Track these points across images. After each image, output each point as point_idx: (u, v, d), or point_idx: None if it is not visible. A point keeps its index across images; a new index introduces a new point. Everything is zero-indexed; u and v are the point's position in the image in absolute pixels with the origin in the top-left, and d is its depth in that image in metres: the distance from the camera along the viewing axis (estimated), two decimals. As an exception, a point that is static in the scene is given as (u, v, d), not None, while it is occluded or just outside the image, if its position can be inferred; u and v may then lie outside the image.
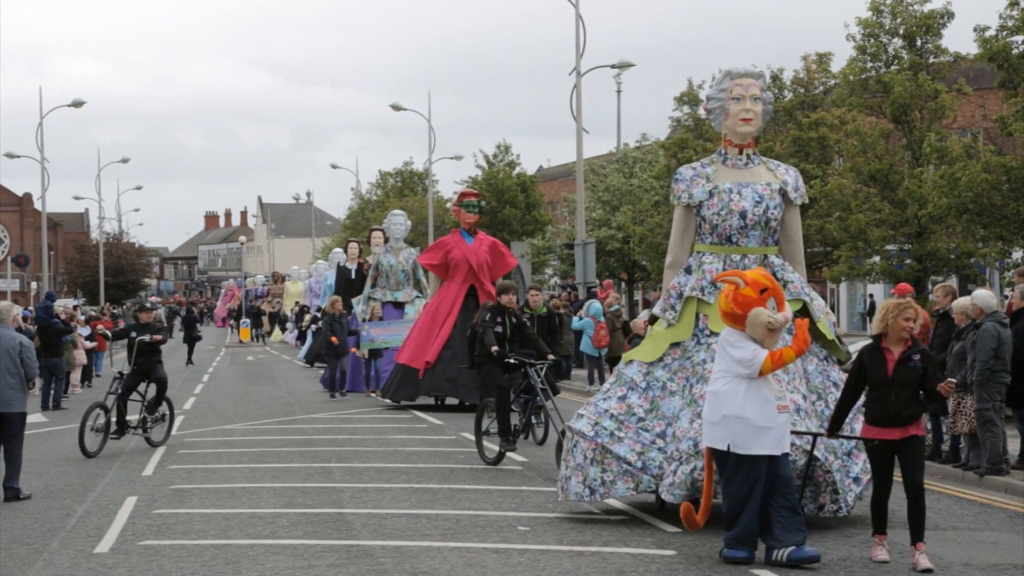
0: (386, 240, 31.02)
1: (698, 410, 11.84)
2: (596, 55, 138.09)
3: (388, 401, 25.60)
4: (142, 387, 18.97)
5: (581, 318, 28.88)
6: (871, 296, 48.98)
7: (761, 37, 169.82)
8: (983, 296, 15.00)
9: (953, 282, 33.06)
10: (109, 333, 22.21)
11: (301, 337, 49.22)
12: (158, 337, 19.03)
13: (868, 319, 48.78)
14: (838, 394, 12.23)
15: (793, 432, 11.13)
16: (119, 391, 18.63)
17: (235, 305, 75.46)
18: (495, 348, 16.59)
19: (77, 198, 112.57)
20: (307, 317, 47.22)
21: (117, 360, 24.65)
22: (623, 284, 50.35)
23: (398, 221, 30.57)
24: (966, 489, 14.48)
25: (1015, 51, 25.90)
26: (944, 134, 29.99)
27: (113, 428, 18.48)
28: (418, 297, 29.62)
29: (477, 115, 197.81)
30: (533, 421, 17.30)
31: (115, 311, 62.18)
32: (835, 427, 11.01)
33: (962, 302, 15.44)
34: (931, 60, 31.09)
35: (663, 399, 12.44)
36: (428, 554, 11.06)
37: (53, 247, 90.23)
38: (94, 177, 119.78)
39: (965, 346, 15.04)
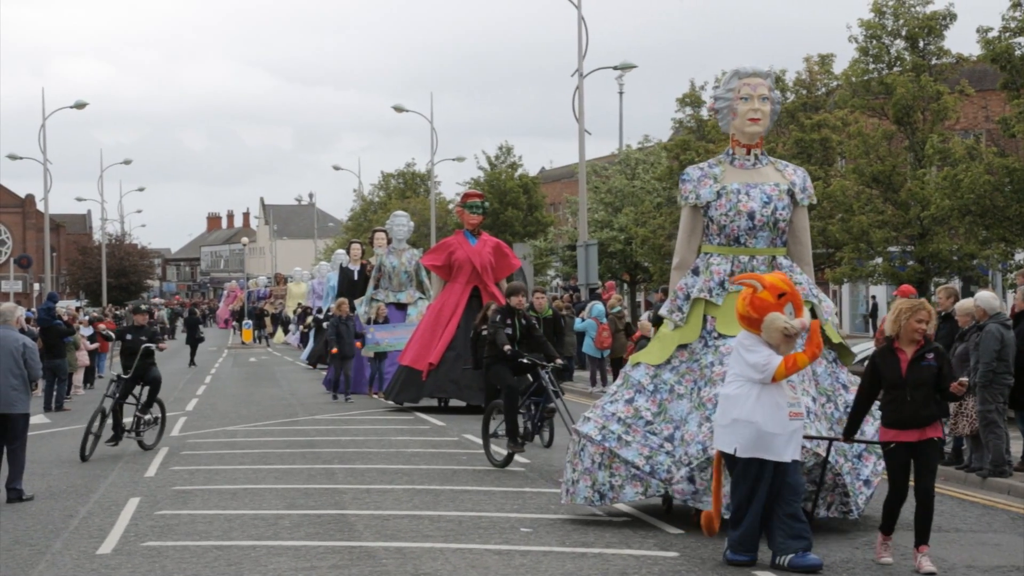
0: (389, 241, 31.01)
1: (707, 413, 11.77)
2: (598, 56, 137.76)
3: (391, 403, 25.58)
4: (136, 390, 18.95)
5: (583, 320, 28.86)
6: (873, 298, 48.93)
7: (763, 38, 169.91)
8: (986, 298, 14.97)
9: (956, 284, 33.05)
10: (112, 334, 22.22)
11: (304, 339, 49.21)
12: (164, 346, 19.19)
13: (870, 321, 48.75)
14: (847, 396, 12.20)
15: (807, 437, 11.09)
16: (116, 395, 18.62)
17: (237, 306, 75.52)
18: (508, 348, 16.50)
19: (80, 199, 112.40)
20: (308, 319, 47.22)
21: (116, 363, 24.63)
22: (625, 286, 50.28)
23: (401, 222, 30.53)
24: (969, 491, 14.46)
25: (1018, 52, 25.90)
26: (946, 135, 29.95)
27: (109, 435, 18.46)
28: (421, 298, 29.59)
29: (479, 116, 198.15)
30: (543, 424, 17.25)
31: (117, 312, 62.16)
32: (851, 432, 10.90)
33: (965, 304, 15.41)
34: (933, 61, 31.08)
35: (671, 402, 12.32)
36: (430, 555, 11.05)
37: (55, 248, 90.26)
38: (96, 178, 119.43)
39: (968, 348, 15.02)
